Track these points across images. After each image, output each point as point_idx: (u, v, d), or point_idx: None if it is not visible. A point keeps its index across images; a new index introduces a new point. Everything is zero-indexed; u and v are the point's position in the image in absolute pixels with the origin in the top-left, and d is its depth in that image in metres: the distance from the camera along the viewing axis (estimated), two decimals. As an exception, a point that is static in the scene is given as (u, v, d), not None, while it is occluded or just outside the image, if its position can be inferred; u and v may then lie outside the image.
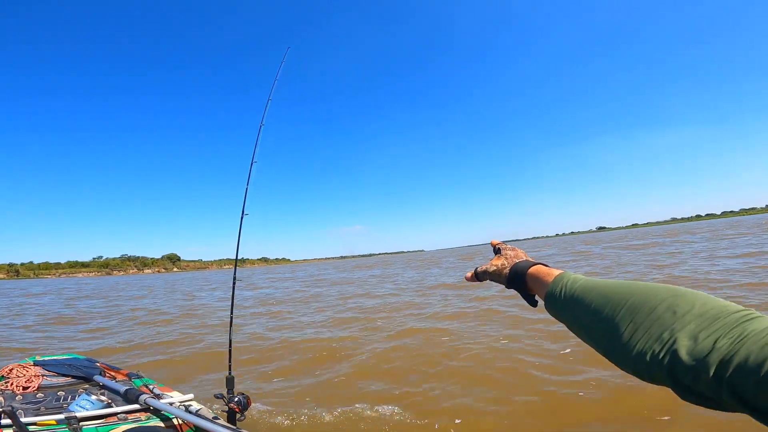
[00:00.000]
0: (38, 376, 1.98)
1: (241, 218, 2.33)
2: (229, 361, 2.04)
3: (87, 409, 1.60)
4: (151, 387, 1.92)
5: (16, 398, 1.75)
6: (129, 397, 1.72)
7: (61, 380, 1.99)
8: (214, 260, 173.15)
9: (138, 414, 1.63)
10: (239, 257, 2.36)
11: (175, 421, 1.58)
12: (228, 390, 1.86)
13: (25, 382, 1.88)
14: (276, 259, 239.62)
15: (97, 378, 2.02)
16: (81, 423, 1.50)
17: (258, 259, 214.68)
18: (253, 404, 1.83)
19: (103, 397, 1.74)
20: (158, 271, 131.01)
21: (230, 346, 2.13)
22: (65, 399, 1.77)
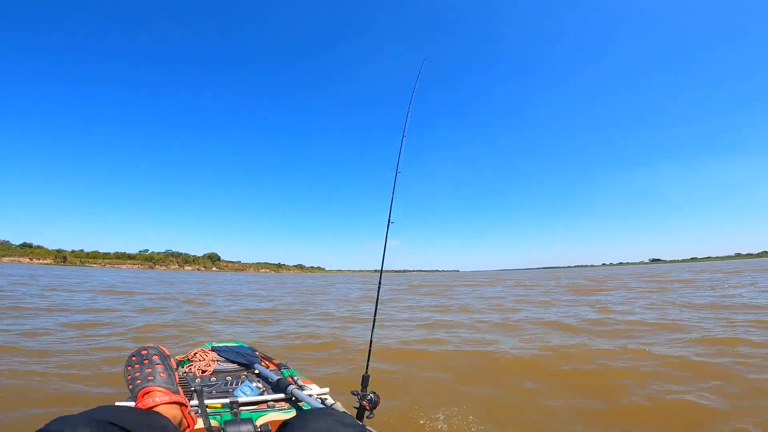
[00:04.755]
0: (214, 361, 2.28)
1: (387, 226, 2.50)
2: (368, 361, 2.18)
3: (247, 395, 1.76)
4: (295, 378, 2.05)
5: (196, 380, 2.00)
6: (280, 386, 1.84)
7: (230, 366, 2.25)
8: (252, 263, 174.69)
9: (282, 402, 1.74)
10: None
11: None
12: (362, 388, 1.95)
13: (204, 366, 2.18)
14: (311, 267, 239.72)
15: (257, 366, 2.23)
16: (241, 408, 1.65)
17: (294, 266, 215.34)
18: (382, 404, 1.91)
19: (259, 385, 1.92)
20: (198, 269, 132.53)
21: (370, 346, 2.26)
22: (231, 384, 1.97)
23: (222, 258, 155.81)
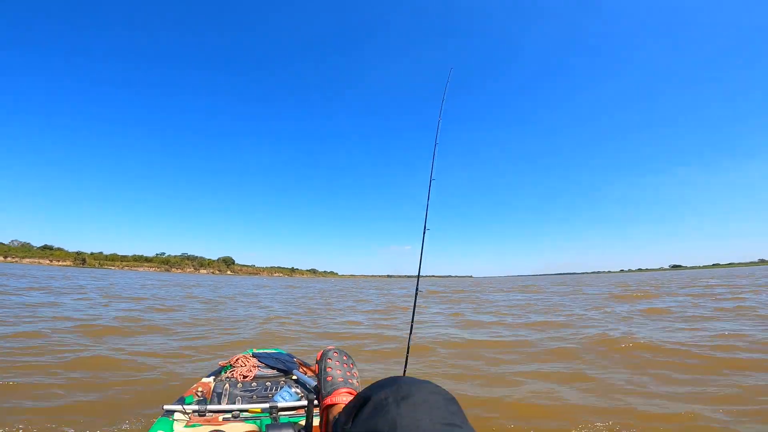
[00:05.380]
0: (255, 366, 2.39)
1: (423, 234, 2.55)
2: (405, 367, 2.18)
3: (286, 400, 1.81)
4: None
5: (238, 385, 2.12)
6: (317, 392, 1.85)
7: (269, 372, 2.35)
8: (266, 267, 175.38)
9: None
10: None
11: None
12: None
13: (246, 371, 2.29)
14: (324, 272, 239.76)
15: (295, 372, 2.27)
16: (280, 413, 1.71)
17: (307, 270, 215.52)
18: None
19: (298, 390, 1.98)
20: (213, 273, 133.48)
21: (407, 352, 2.27)
22: (270, 389, 2.09)
23: (236, 262, 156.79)
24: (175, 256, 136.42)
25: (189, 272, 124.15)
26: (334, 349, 1.42)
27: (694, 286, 19.08)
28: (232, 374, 2.25)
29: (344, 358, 1.40)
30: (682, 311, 9.10)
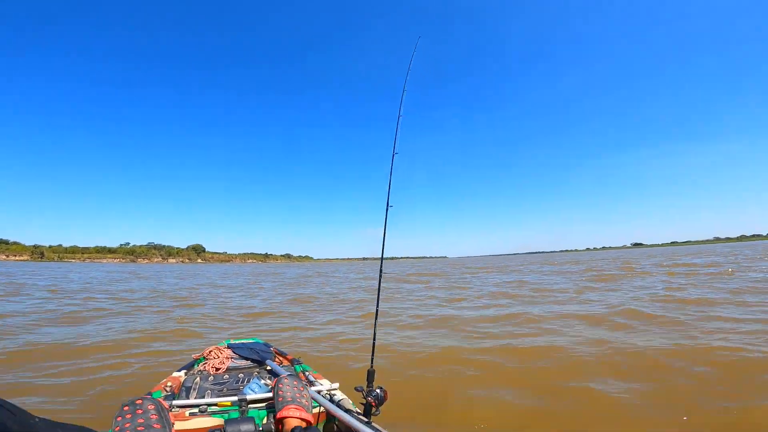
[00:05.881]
0: (228, 358, 2.33)
1: (386, 210, 2.39)
2: (372, 355, 2.07)
3: (255, 392, 1.77)
4: (307, 374, 2.10)
5: (209, 378, 2.05)
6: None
7: (243, 363, 2.29)
8: (238, 254, 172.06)
9: None
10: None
11: (316, 410, 1.71)
12: (368, 383, 1.87)
13: (219, 363, 2.22)
14: (299, 256, 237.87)
15: (268, 362, 2.26)
16: (249, 405, 1.66)
17: (281, 256, 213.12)
18: (390, 399, 1.79)
19: (268, 381, 1.92)
20: (182, 261, 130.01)
21: (374, 340, 2.16)
22: (242, 381, 2.01)
23: (207, 249, 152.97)
24: (140, 246, 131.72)
25: (157, 262, 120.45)
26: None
27: (675, 265, 17.90)
28: (205, 367, 2.18)
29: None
30: (699, 296, 7.69)
